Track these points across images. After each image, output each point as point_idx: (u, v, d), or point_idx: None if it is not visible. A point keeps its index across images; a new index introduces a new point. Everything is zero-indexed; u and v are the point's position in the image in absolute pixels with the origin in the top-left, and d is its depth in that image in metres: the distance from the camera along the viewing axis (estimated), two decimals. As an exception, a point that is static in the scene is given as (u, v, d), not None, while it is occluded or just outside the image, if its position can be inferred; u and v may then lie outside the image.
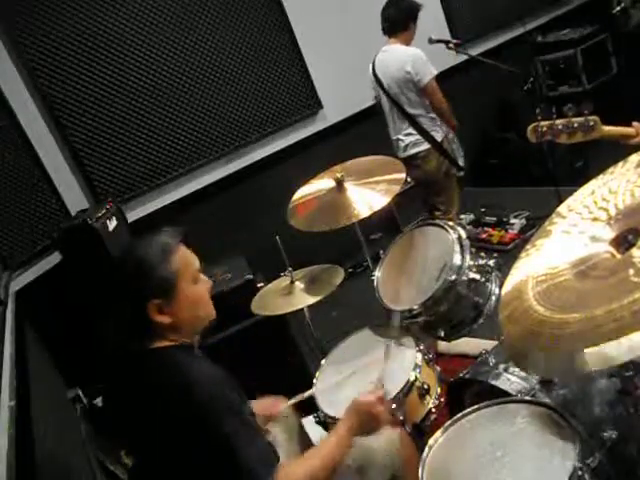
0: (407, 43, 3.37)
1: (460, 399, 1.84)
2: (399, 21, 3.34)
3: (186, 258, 1.43)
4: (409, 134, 3.43)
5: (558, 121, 1.64)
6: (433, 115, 3.35)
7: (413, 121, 3.37)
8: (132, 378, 1.43)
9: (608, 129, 1.63)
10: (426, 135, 3.36)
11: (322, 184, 2.39)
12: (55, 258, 3.21)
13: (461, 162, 3.46)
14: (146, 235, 1.46)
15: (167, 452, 1.33)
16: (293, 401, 1.90)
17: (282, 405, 1.87)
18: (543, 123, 1.67)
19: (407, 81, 3.29)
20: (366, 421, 1.52)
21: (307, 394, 1.93)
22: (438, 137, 3.37)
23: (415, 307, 1.96)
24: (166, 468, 1.36)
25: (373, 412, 1.52)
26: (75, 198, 3.56)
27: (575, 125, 1.60)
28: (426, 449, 1.49)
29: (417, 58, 3.25)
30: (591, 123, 1.58)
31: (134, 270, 1.38)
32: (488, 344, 2.05)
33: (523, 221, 3.94)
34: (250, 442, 1.30)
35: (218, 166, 4.03)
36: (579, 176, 3.17)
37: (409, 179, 3.93)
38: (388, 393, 1.66)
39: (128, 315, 1.41)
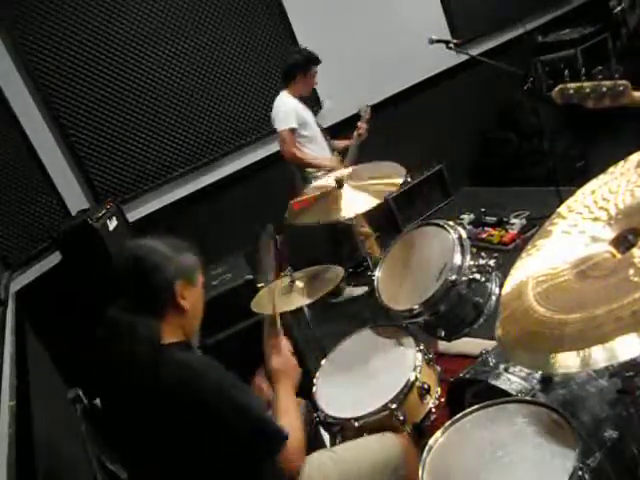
0: (298, 93, 3.54)
1: (460, 399, 1.84)
2: (285, 74, 3.54)
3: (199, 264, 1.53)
4: None
5: (586, 84, 1.51)
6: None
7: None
8: (140, 378, 1.39)
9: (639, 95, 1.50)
10: None
11: (322, 184, 2.40)
12: (55, 258, 3.21)
13: None
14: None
15: (185, 449, 1.33)
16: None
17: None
18: (570, 85, 1.55)
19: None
20: (295, 374, 1.64)
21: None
22: None
23: (415, 307, 1.96)
24: (181, 465, 1.36)
25: (292, 363, 1.64)
26: (75, 198, 3.56)
27: (604, 89, 1.48)
28: (426, 449, 1.49)
29: (279, 109, 3.47)
30: (621, 88, 1.46)
31: (165, 248, 1.45)
32: (488, 344, 2.05)
33: (523, 221, 3.94)
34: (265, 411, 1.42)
35: (218, 166, 4.03)
36: (579, 176, 3.17)
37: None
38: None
39: (152, 293, 1.42)
